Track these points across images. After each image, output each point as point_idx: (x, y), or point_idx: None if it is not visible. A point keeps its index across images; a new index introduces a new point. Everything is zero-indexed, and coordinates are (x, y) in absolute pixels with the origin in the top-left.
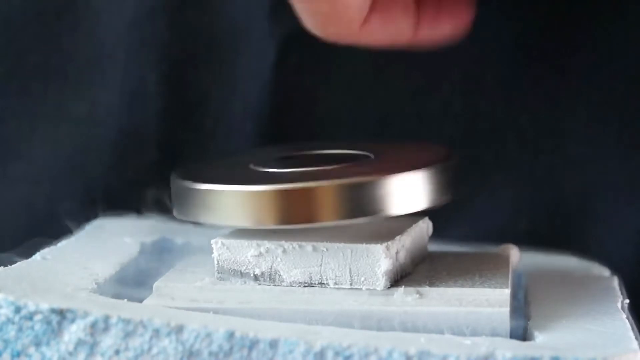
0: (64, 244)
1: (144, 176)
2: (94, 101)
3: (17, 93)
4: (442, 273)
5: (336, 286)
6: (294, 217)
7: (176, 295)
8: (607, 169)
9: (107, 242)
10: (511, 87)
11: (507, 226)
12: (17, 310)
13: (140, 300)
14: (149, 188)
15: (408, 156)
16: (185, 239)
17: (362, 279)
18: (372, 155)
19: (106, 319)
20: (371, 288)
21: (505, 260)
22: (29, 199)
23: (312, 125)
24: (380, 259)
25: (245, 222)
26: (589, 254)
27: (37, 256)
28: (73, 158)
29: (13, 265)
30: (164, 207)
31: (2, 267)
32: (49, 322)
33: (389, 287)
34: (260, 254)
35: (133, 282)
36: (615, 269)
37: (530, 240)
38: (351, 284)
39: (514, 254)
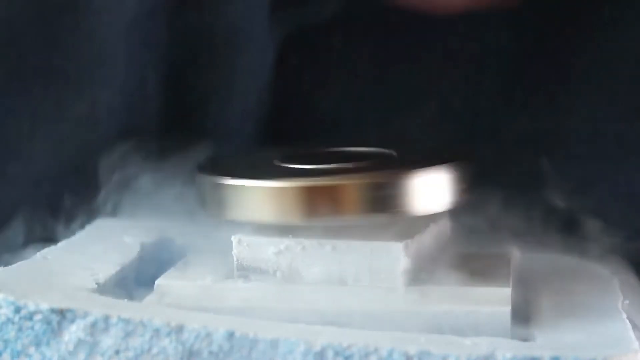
0: (64, 244)
1: (144, 176)
2: (94, 101)
3: (17, 93)
4: (442, 273)
5: (355, 284)
6: (318, 213)
7: (176, 294)
8: (607, 169)
9: (107, 242)
10: (511, 87)
11: (507, 226)
12: (17, 310)
13: (140, 300)
14: (150, 188)
15: (431, 155)
16: (185, 239)
17: (382, 276)
18: (395, 154)
19: (106, 318)
20: (390, 286)
21: (505, 260)
22: (29, 199)
23: (311, 125)
24: (400, 257)
25: (269, 218)
26: (589, 254)
27: (37, 256)
28: (73, 158)
29: (13, 265)
30: (165, 206)
31: (2, 267)
32: (49, 322)
33: (409, 286)
34: (280, 252)
35: (133, 282)
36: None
37: (531, 240)
38: (370, 282)
39: (514, 254)
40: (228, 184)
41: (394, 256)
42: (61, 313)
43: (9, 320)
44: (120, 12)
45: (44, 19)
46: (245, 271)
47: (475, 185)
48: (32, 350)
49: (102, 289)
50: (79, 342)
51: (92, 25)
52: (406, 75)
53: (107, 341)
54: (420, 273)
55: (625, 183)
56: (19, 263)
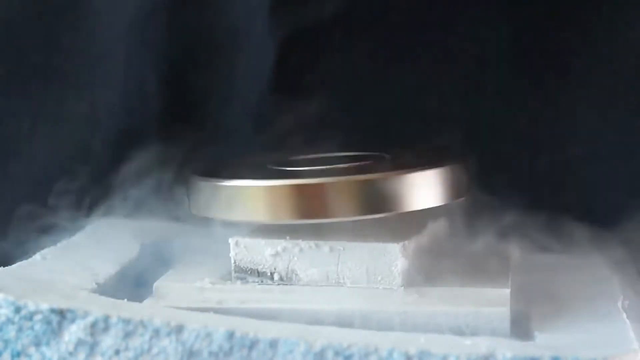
0: (64, 244)
1: (144, 176)
2: (93, 101)
3: (17, 93)
4: (440, 273)
5: (353, 285)
6: (311, 213)
7: (176, 295)
8: (607, 169)
9: (107, 242)
10: (511, 87)
11: (507, 226)
12: (17, 310)
13: (140, 300)
14: (149, 188)
15: (423, 156)
16: (185, 239)
17: (379, 277)
18: (387, 155)
19: (106, 319)
20: (388, 287)
21: (504, 260)
22: (29, 199)
23: (311, 125)
24: (397, 258)
25: (263, 218)
26: (589, 254)
27: (37, 256)
28: (73, 158)
29: (13, 265)
30: (164, 207)
31: (2, 267)
32: (49, 322)
33: (407, 287)
34: (277, 253)
35: (133, 282)
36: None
37: (531, 240)
38: (368, 283)
39: (514, 254)
40: (223, 185)
41: (391, 257)
42: (61, 313)
43: (9, 320)
44: (120, 12)
45: (44, 19)
46: (243, 273)
47: (472, 185)
48: (32, 350)
49: (102, 289)
50: (79, 342)
51: (91, 26)
52: (406, 75)
53: (107, 341)
54: (418, 274)
55: (625, 183)
56: (19, 263)
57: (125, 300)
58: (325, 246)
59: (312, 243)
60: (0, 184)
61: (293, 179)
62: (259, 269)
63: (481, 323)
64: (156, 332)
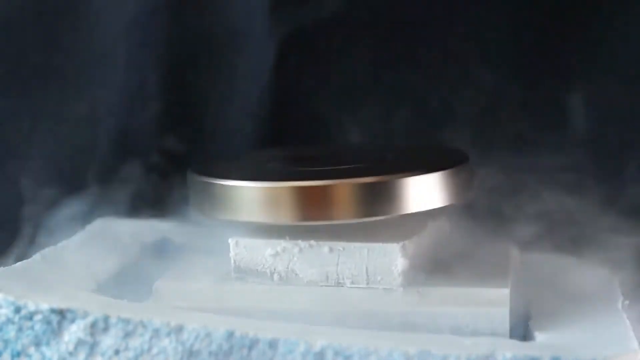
0: (64, 244)
1: (143, 176)
2: (93, 101)
3: (17, 93)
4: (440, 273)
5: (353, 285)
6: (312, 215)
7: (176, 295)
8: (606, 169)
9: (107, 242)
10: (511, 86)
11: (507, 226)
12: (17, 310)
13: (140, 300)
14: (149, 188)
15: (424, 158)
16: (185, 239)
17: (379, 278)
18: (388, 156)
19: (106, 319)
20: (388, 287)
21: (504, 260)
22: (30, 199)
23: (311, 125)
24: (397, 258)
25: (264, 219)
26: (589, 255)
27: (37, 256)
28: (73, 158)
29: (13, 265)
30: (164, 207)
31: (2, 267)
32: (49, 322)
33: (407, 287)
34: (277, 253)
35: (133, 282)
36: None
37: (531, 240)
38: (368, 283)
39: (513, 254)
40: (222, 185)
41: (391, 257)
42: (61, 313)
43: (9, 320)
44: (120, 12)
45: (44, 19)
46: (243, 273)
47: (473, 186)
48: (32, 350)
49: (102, 289)
50: (79, 342)
51: (91, 26)
52: (406, 75)
53: (107, 341)
54: (418, 274)
55: (625, 183)
56: (19, 263)
57: (125, 300)
58: (325, 246)
59: (312, 243)
60: (0, 184)
61: (294, 180)
62: (259, 269)
63: (481, 323)
64: (156, 332)
